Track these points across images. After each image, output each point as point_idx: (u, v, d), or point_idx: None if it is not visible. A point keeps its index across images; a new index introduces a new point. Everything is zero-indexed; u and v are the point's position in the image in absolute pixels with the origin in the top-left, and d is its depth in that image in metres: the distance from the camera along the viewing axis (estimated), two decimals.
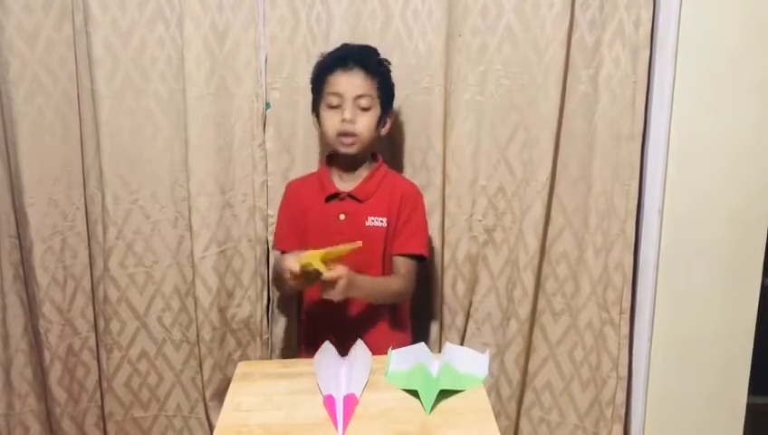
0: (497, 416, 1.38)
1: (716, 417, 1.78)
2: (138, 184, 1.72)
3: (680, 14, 1.58)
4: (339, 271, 1.34)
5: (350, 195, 1.53)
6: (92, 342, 1.83)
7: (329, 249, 1.35)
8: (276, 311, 1.82)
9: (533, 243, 1.72)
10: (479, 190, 1.75)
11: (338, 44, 1.61)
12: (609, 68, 1.66)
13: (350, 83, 1.47)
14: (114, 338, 1.78)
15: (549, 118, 1.66)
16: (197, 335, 1.78)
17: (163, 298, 1.80)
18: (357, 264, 1.49)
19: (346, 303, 1.46)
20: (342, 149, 1.50)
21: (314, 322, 1.57)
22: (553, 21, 1.62)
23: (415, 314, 1.81)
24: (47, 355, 1.76)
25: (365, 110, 1.48)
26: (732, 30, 1.60)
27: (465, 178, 1.73)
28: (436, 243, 1.72)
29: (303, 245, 1.52)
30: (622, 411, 1.78)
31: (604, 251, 1.73)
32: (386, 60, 1.55)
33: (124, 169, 1.70)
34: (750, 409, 1.78)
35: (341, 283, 1.33)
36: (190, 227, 1.72)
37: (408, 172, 1.73)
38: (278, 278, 1.55)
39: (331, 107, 1.48)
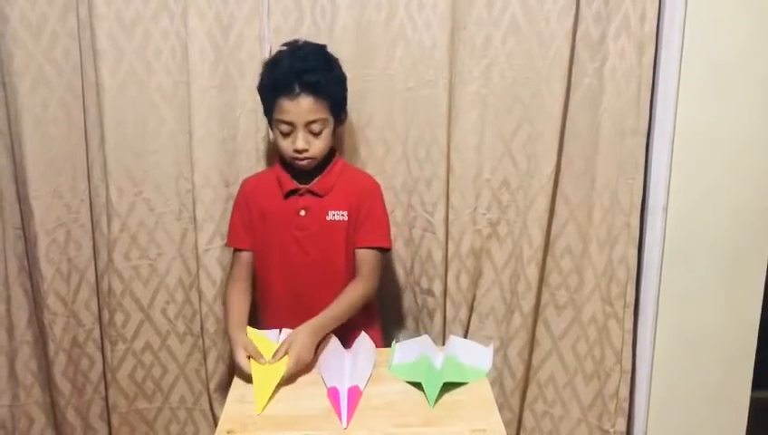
0: (501, 409, 1.38)
1: (720, 411, 1.78)
2: (142, 176, 1.72)
3: (686, 7, 1.58)
4: (293, 358, 1.30)
5: (309, 190, 1.51)
6: (97, 334, 1.84)
7: (267, 364, 1.32)
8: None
9: (537, 236, 1.72)
10: (483, 184, 1.74)
11: (341, 38, 1.61)
12: (614, 62, 1.65)
13: (298, 112, 1.41)
14: (118, 330, 1.79)
15: (553, 111, 1.66)
16: (201, 328, 1.78)
17: (167, 290, 1.80)
18: (320, 261, 1.50)
19: (308, 296, 1.48)
20: (299, 166, 1.48)
21: (276, 314, 1.55)
22: (558, 14, 1.61)
23: (416, 307, 1.82)
24: (52, 347, 1.76)
25: (318, 133, 1.45)
26: (737, 24, 1.59)
27: (470, 171, 1.73)
28: (441, 236, 1.72)
29: (263, 242, 1.53)
30: (626, 405, 1.78)
31: (608, 245, 1.73)
32: (333, 61, 1.48)
33: (128, 161, 1.70)
34: (753, 403, 1.78)
35: (301, 361, 1.32)
36: (194, 220, 1.72)
37: (411, 165, 1.73)
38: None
39: (283, 133, 1.45)
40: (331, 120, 1.47)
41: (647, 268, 1.73)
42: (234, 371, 1.38)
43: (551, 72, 1.64)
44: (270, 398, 1.26)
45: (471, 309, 1.81)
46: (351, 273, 1.52)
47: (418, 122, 1.70)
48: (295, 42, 1.49)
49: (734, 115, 1.63)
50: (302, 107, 1.41)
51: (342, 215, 1.51)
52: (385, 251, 1.56)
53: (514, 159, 1.73)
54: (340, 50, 1.57)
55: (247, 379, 1.31)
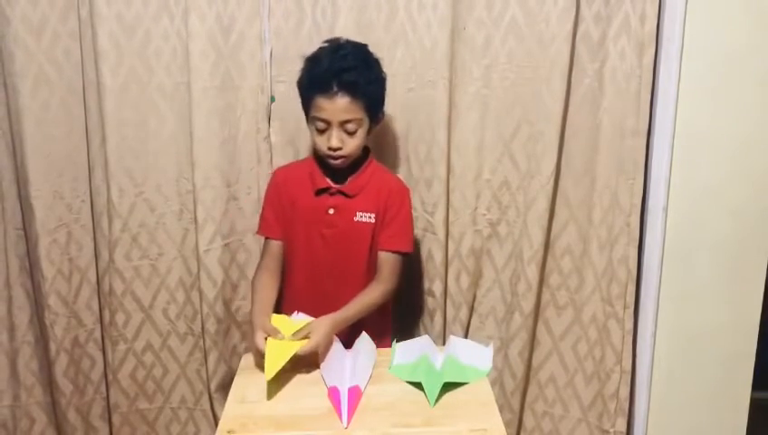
0: (501, 409, 1.38)
1: (720, 412, 1.78)
2: (143, 177, 1.73)
3: (686, 8, 1.58)
4: (312, 342, 1.32)
5: (339, 190, 1.52)
6: (98, 334, 1.84)
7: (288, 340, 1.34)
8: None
9: (538, 237, 1.72)
10: (483, 184, 1.75)
11: (343, 38, 1.60)
12: (614, 62, 1.65)
13: (334, 110, 1.42)
14: (119, 330, 1.79)
15: (553, 112, 1.66)
16: (202, 328, 1.78)
17: (168, 291, 1.80)
18: (344, 259, 1.51)
19: (328, 292, 1.50)
20: (332, 165, 1.49)
21: (294, 307, 1.54)
22: (559, 15, 1.62)
23: (416, 307, 1.82)
24: (53, 347, 1.77)
25: (352, 133, 1.45)
26: (737, 25, 1.59)
27: (470, 171, 1.73)
28: (441, 237, 1.72)
29: (290, 234, 1.54)
30: (626, 405, 1.78)
31: (608, 245, 1.73)
32: (373, 61, 1.48)
33: (129, 161, 1.71)
34: (753, 404, 1.78)
35: (319, 347, 1.33)
36: (195, 220, 1.72)
37: (412, 166, 1.73)
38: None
39: (318, 130, 1.46)
40: (367, 121, 1.47)
41: (647, 268, 1.74)
42: (233, 371, 1.38)
43: (551, 72, 1.65)
44: (279, 369, 1.27)
45: (471, 309, 1.82)
46: (373, 274, 1.53)
47: (419, 123, 1.70)
48: (337, 39, 1.49)
49: (734, 115, 1.63)
50: (338, 106, 1.42)
51: (370, 217, 1.52)
52: (406, 255, 1.57)
53: (515, 159, 1.73)
54: None
55: (260, 362, 1.32)
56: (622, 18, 1.63)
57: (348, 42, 1.49)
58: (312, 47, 1.64)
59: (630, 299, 1.74)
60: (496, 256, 1.79)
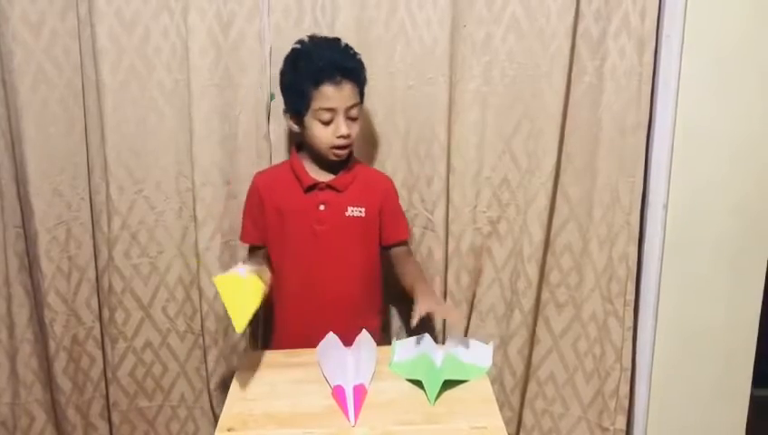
0: (501, 407, 1.38)
1: (720, 409, 1.79)
2: (142, 174, 1.72)
3: (686, 5, 1.57)
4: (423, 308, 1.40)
5: (328, 185, 1.53)
6: (97, 332, 1.84)
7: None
8: None
9: (538, 234, 1.72)
10: (483, 181, 1.74)
11: (342, 36, 1.59)
12: (614, 59, 1.65)
13: (341, 97, 1.44)
14: (119, 328, 1.79)
15: (554, 109, 1.66)
16: (202, 326, 1.78)
17: (167, 289, 1.80)
18: (336, 255, 1.53)
19: (322, 289, 1.53)
20: (335, 159, 1.51)
21: (292, 305, 1.57)
22: (559, 11, 1.61)
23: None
24: (52, 345, 1.77)
25: (355, 119, 1.49)
26: (738, 21, 1.59)
27: (470, 169, 1.73)
28: (441, 234, 1.72)
29: (278, 236, 1.55)
30: (626, 403, 1.78)
31: (608, 243, 1.73)
32: (358, 54, 1.52)
33: (128, 159, 1.70)
34: (753, 401, 1.78)
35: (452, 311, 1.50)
36: (195, 218, 1.72)
37: (412, 163, 1.73)
38: None
39: (323, 121, 1.46)
40: (361, 107, 1.52)
41: (647, 266, 1.74)
42: (233, 369, 1.39)
43: (551, 69, 1.64)
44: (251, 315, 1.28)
45: (471, 307, 1.82)
46: (365, 268, 1.58)
47: (419, 120, 1.70)
48: (312, 36, 1.53)
49: (734, 112, 1.63)
50: (345, 92, 1.45)
51: (360, 211, 1.53)
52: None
53: (515, 156, 1.73)
54: None
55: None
56: (622, 15, 1.62)
57: (324, 37, 1.55)
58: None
59: (630, 296, 1.74)
60: (496, 254, 1.79)
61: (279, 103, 1.70)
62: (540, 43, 1.65)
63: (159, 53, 1.66)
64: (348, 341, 1.38)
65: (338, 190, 1.53)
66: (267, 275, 1.43)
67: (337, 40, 1.53)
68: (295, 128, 1.52)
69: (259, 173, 1.62)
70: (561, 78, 1.64)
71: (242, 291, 1.31)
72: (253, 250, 1.62)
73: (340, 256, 1.53)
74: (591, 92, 1.68)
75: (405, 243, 1.63)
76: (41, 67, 1.63)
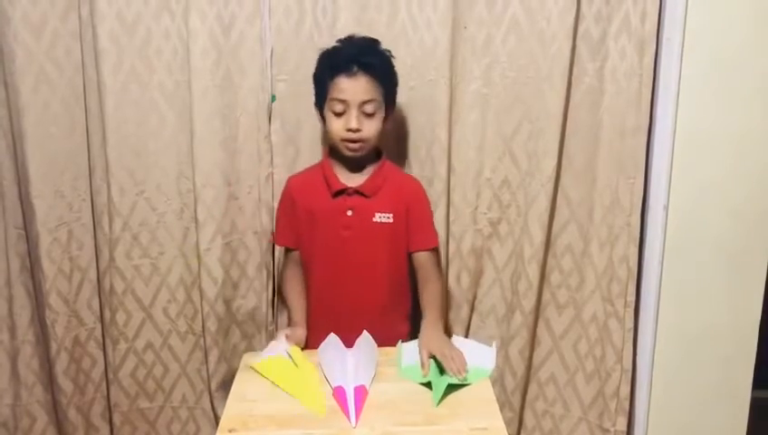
0: (501, 408, 1.38)
1: (720, 410, 1.78)
2: (143, 176, 1.73)
3: (687, 7, 1.58)
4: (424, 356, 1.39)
5: (357, 190, 1.52)
6: (98, 333, 1.84)
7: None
8: (281, 303, 1.83)
9: (538, 235, 1.72)
10: (484, 183, 1.75)
11: (343, 36, 1.61)
12: (614, 61, 1.65)
13: (354, 90, 1.44)
14: (120, 329, 1.79)
15: (554, 110, 1.66)
16: (203, 327, 1.78)
17: (169, 290, 1.80)
18: (363, 260, 1.52)
19: (349, 294, 1.52)
20: (348, 154, 1.50)
21: (320, 308, 1.59)
22: (559, 13, 1.62)
23: (417, 307, 1.82)
24: (53, 346, 1.77)
25: (370, 115, 1.47)
26: (738, 23, 1.59)
27: (470, 170, 1.73)
28: (442, 235, 1.72)
29: (308, 239, 1.56)
30: (626, 404, 1.78)
31: (609, 244, 1.73)
32: (388, 52, 1.53)
33: (130, 160, 1.71)
34: (754, 403, 1.78)
35: (446, 352, 1.40)
36: (196, 219, 1.72)
37: (413, 164, 1.73)
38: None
39: (336, 113, 1.47)
40: (383, 108, 1.50)
41: (647, 267, 1.74)
42: (234, 370, 1.40)
43: (551, 71, 1.65)
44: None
45: (472, 308, 1.82)
46: (392, 274, 1.56)
47: (419, 121, 1.71)
48: (351, 36, 1.54)
49: (734, 114, 1.63)
50: (359, 85, 1.44)
51: (388, 217, 1.52)
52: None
53: (515, 158, 1.73)
54: None
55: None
56: (623, 17, 1.63)
57: (362, 36, 1.54)
58: (312, 46, 1.65)
59: (631, 298, 1.74)
60: (497, 255, 1.79)
61: (280, 104, 1.71)
62: (540, 45, 1.65)
63: (160, 54, 1.67)
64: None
65: (366, 196, 1.52)
66: (298, 333, 1.54)
67: (370, 39, 1.53)
68: (322, 121, 1.54)
69: (292, 176, 1.64)
70: (562, 79, 1.64)
71: (290, 368, 1.37)
72: (287, 252, 1.64)
73: (366, 261, 1.53)
74: (592, 94, 1.68)
75: (431, 250, 1.58)
76: (42, 68, 1.63)
